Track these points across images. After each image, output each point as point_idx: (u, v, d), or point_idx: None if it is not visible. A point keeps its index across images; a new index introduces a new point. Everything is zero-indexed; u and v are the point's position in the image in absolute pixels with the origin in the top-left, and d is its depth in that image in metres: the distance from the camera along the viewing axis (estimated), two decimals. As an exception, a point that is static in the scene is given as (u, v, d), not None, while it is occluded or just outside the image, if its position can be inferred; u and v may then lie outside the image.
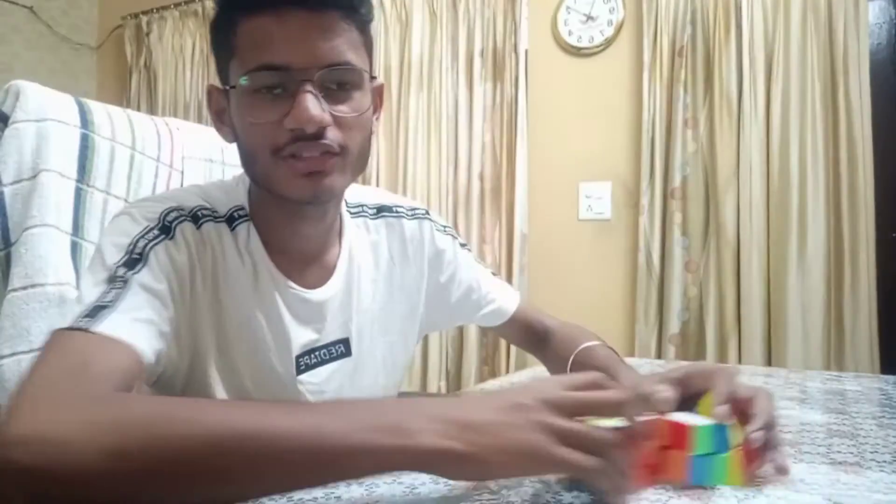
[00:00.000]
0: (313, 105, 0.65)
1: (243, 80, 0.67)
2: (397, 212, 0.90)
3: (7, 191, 0.84)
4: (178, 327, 0.68)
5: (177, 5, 3.21)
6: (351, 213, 0.85)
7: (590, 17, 2.45)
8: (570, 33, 2.48)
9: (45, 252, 0.84)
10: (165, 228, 0.68)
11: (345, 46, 0.68)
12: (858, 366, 1.96)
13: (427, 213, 0.93)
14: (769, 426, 0.57)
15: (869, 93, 2.00)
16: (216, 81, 0.74)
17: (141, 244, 0.66)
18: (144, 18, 3.30)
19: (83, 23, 3.48)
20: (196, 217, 0.71)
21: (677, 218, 2.22)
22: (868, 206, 2.00)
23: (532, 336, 0.99)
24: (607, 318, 2.37)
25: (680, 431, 0.53)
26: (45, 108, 0.86)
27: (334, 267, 0.81)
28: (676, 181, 2.22)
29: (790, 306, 2.04)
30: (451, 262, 0.92)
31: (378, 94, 0.77)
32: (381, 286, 0.86)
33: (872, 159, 2.00)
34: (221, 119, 0.75)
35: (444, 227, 0.94)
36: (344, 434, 0.47)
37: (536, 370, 1.21)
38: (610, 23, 2.42)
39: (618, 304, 2.38)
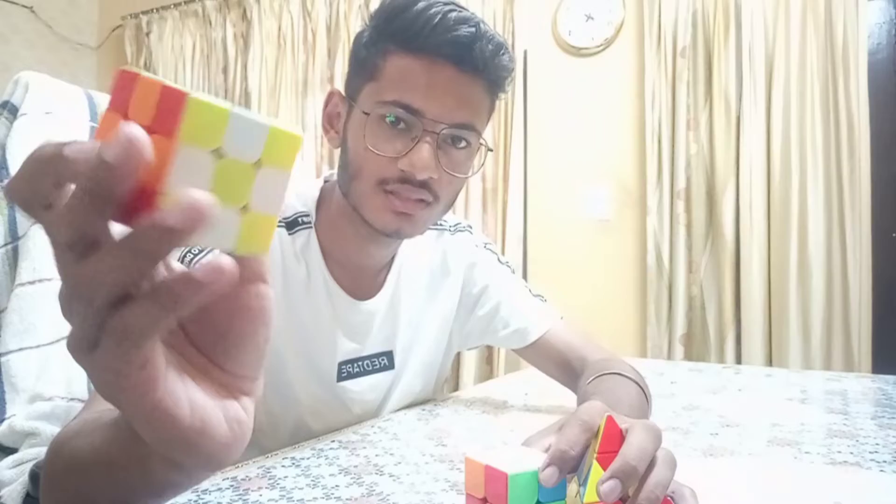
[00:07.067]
0: (431, 156, 0.69)
1: (377, 109, 0.70)
2: (441, 226, 0.93)
3: (16, 184, 0.83)
4: None
5: (177, 5, 3.21)
6: None
7: (590, 17, 2.46)
8: (570, 33, 2.48)
9: (54, 246, 0.83)
10: None
11: (476, 111, 0.73)
12: (857, 366, 1.96)
13: (469, 228, 0.96)
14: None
15: (867, 93, 2.00)
16: (341, 88, 0.78)
17: None
18: (144, 18, 3.30)
19: (83, 23, 3.47)
20: None
21: (683, 219, 2.22)
22: (866, 206, 1.99)
23: (565, 368, 0.89)
24: (615, 320, 2.37)
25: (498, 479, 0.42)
26: (55, 101, 0.86)
27: (384, 281, 0.85)
28: (681, 182, 2.22)
29: (791, 306, 2.04)
30: (484, 276, 0.94)
31: (479, 153, 0.79)
32: (423, 298, 0.89)
33: (870, 159, 2.00)
34: (332, 123, 0.78)
35: (485, 243, 0.97)
36: None
37: (529, 371, 1.18)
38: (609, 23, 2.43)
39: (626, 305, 2.37)
